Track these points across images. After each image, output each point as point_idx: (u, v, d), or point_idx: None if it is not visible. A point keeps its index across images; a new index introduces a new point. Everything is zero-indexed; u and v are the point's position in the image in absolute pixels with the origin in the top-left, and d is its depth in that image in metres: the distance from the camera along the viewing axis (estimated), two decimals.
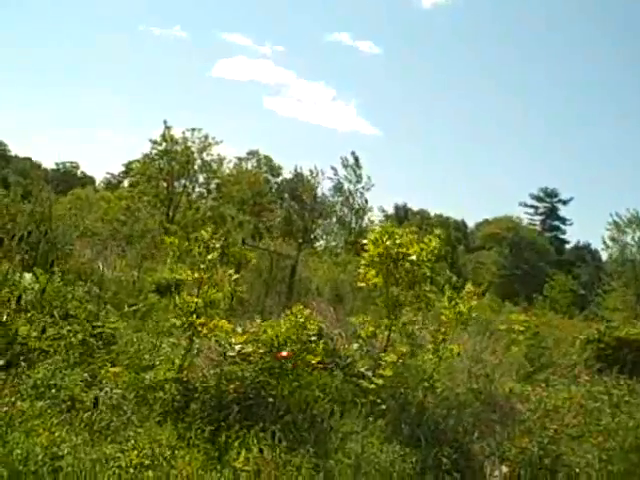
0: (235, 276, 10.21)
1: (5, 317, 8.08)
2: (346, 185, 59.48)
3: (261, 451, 6.60)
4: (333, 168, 59.70)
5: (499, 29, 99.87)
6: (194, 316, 8.24)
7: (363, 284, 10.57)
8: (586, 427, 9.00)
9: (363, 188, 58.88)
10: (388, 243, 9.98)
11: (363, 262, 10.42)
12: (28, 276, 10.17)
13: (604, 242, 47.29)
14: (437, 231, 10.48)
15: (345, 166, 59.28)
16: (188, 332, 8.40)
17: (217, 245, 8.55)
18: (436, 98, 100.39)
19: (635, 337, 13.93)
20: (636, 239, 45.56)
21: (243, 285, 15.08)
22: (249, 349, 8.05)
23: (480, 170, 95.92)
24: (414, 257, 9.90)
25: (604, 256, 55.80)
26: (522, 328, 11.21)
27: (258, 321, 9.36)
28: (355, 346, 10.07)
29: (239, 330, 8.50)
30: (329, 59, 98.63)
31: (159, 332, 9.91)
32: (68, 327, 8.54)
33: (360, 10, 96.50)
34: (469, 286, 10.76)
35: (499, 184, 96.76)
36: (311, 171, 60.89)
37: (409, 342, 10.01)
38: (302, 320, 8.31)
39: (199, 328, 8.26)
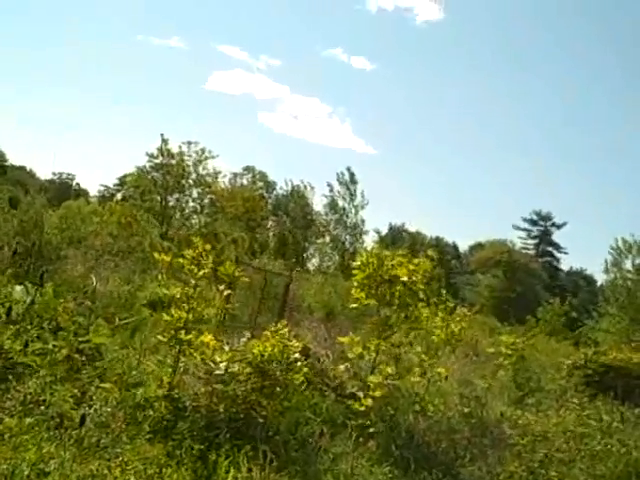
0: (227, 292, 10.20)
1: None
2: (340, 202, 59.53)
3: (250, 470, 6.56)
4: (329, 185, 59.79)
5: (492, 46, 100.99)
6: (182, 332, 8.23)
7: (355, 305, 10.58)
8: (577, 452, 8.98)
9: (357, 206, 58.95)
10: (376, 267, 10.00)
11: (355, 284, 10.44)
12: (19, 289, 10.10)
13: (606, 266, 47.40)
14: (430, 252, 10.49)
15: (340, 182, 59.32)
16: (174, 349, 8.39)
17: (209, 261, 8.56)
18: (431, 115, 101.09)
19: (621, 363, 13.93)
20: (636, 265, 45.75)
21: (235, 302, 15.07)
22: (235, 368, 8.01)
23: (476, 191, 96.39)
24: (405, 278, 9.91)
25: (602, 279, 55.91)
26: (509, 352, 11.19)
27: (248, 335, 9.35)
28: (342, 367, 10.04)
29: (226, 348, 8.46)
30: (324, 75, 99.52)
31: (145, 348, 9.86)
32: (54, 342, 8.48)
33: (355, 27, 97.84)
34: (461, 309, 10.82)
35: (494, 206, 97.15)
36: (301, 185, 61.16)
37: (396, 364, 9.98)
38: (286, 337, 8.31)
39: (185, 345, 8.24)
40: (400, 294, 9.99)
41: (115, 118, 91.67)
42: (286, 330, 8.48)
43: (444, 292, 11.16)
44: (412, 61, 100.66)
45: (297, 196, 61.91)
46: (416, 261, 10.10)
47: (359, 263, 10.26)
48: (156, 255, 9.31)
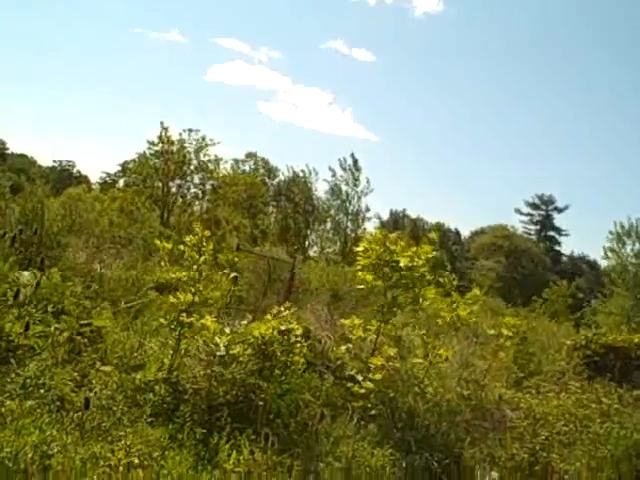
0: (233, 274, 10.24)
1: None
2: (344, 188, 59.26)
3: (252, 453, 6.59)
4: (331, 169, 59.54)
5: (491, 37, 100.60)
6: (184, 314, 8.27)
7: (362, 286, 10.60)
8: (577, 435, 9.02)
9: (361, 192, 58.75)
10: (379, 253, 10.01)
11: (359, 267, 10.46)
12: (26, 274, 10.14)
13: (605, 252, 47.44)
14: (431, 234, 10.51)
15: (343, 168, 59.05)
16: (175, 332, 8.43)
17: (209, 247, 8.58)
18: (431, 105, 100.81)
19: (622, 344, 13.96)
20: (635, 250, 45.77)
21: (243, 285, 15.14)
22: (236, 350, 8.05)
23: (476, 177, 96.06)
24: (404, 263, 9.92)
25: (603, 264, 55.95)
26: (511, 334, 11.23)
27: (249, 317, 9.38)
28: (343, 349, 10.07)
29: (227, 330, 8.50)
30: (325, 66, 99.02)
31: (147, 331, 9.90)
32: (56, 324, 8.51)
33: (354, 19, 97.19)
34: (475, 291, 10.81)
35: (495, 192, 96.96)
36: (304, 171, 60.90)
37: (397, 346, 10.00)
38: (287, 320, 8.34)
39: (186, 328, 8.28)
40: (403, 278, 10.01)
41: (115, 109, 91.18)
42: (287, 312, 8.51)
43: (447, 274, 11.15)
44: (412, 52, 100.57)
45: (300, 181, 61.67)
46: (414, 248, 10.08)
47: (362, 249, 10.27)
48: (157, 242, 9.35)
